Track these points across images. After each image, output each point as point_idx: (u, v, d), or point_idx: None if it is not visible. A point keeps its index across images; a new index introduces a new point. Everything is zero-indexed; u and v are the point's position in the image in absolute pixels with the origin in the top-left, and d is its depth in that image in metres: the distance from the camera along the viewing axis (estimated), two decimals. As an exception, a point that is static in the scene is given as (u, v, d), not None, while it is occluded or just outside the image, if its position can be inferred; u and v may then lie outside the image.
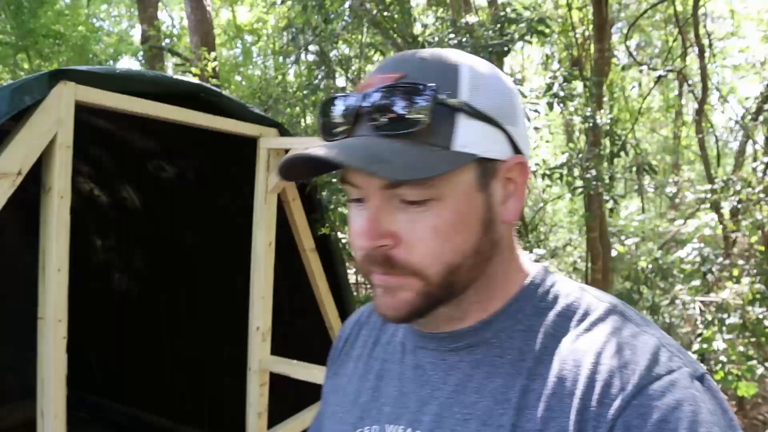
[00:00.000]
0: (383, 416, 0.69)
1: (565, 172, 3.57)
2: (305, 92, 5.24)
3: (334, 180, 3.31)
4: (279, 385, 2.83)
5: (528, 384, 0.61)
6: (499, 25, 3.02)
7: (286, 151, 2.67)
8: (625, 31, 5.83)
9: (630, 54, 5.26)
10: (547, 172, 3.67)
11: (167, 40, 10.04)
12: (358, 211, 0.63)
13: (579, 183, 3.82)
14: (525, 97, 3.13)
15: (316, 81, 4.65)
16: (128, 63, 11.04)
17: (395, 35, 4.66)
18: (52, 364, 1.80)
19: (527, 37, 2.93)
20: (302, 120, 4.97)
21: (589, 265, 5.91)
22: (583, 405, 0.57)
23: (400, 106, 0.58)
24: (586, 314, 0.64)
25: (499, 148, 0.63)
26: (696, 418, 0.53)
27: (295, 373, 2.72)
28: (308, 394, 3.08)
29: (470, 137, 0.60)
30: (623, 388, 0.55)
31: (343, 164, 0.56)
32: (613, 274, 6.07)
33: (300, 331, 3.45)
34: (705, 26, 7.41)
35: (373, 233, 0.60)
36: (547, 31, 3.09)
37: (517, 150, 0.65)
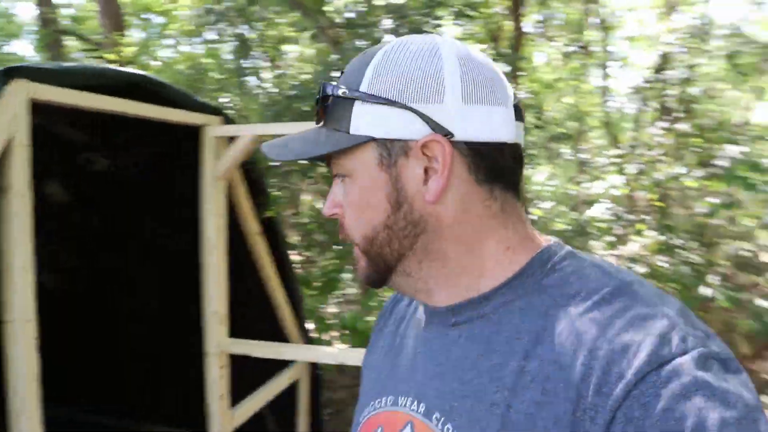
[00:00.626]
0: (398, 388, 0.72)
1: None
2: (226, 75, 5.19)
3: (275, 163, 3.37)
4: (233, 368, 2.91)
5: (524, 364, 0.59)
6: (427, 9, 3.17)
7: (231, 138, 2.71)
8: (536, 9, 6.18)
9: (543, 32, 5.62)
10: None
11: (67, 23, 9.42)
12: None
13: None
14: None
15: (242, 63, 4.64)
16: (20, 47, 10.28)
17: (317, 15, 4.71)
18: (25, 366, 1.81)
19: (458, 20, 3.10)
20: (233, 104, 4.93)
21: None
22: (578, 393, 0.55)
23: (320, 104, 0.70)
24: (591, 293, 0.61)
25: (406, 128, 0.64)
26: (706, 408, 0.49)
27: (253, 351, 2.82)
28: (263, 372, 3.21)
29: (365, 119, 0.66)
30: (623, 376, 0.53)
31: (274, 158, 0.72)
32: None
33: (249, 314, 3.52)
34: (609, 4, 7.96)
35: (329, 203, 0.72)
36: (476, 15, 3.27)
37: (440, 129, 0.63)
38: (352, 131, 0.66)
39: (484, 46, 4.89)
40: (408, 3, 3.63)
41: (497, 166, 0.66)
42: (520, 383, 0.59)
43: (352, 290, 7.35)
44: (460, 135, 0.63)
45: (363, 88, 0.66)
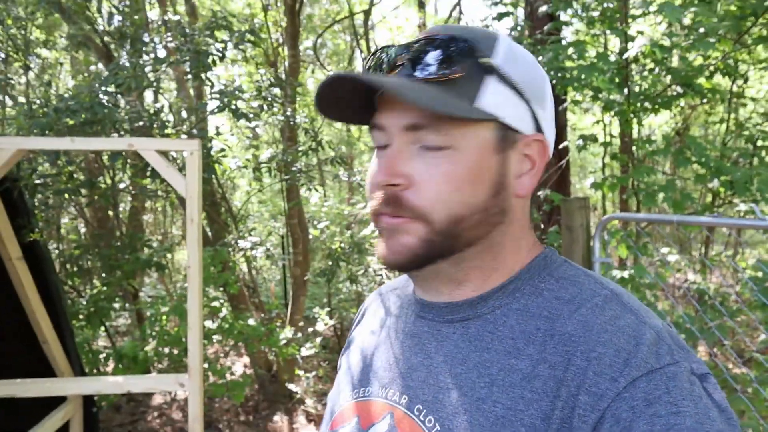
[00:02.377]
0: (378, 380, 0.72)
1: (273, 165, 3.94)
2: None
3: (38, 181, 3.05)
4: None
5: (515, 363, 0.61)
6: (209, 31, 3.19)
7: (-11, 152, 2.41)
8: (311, 37, 6.52)
9: (317, 59, 5.96)
10: (258, 166, 4.00)
11: None
12: (380, 156, 0.66)
13: (285, 176, 4.24)
14: (238, 98, 3.38)
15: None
16: None
17: (82, 21, 4.37)
18: None
19: (240, 46, 3.18)
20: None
21: (291, 249, 6.48)
22: (569, 392, 0.56)
23: (433, 56, 0.62)
24: (585, 299, 0.63)
25: (522, 120, 0.65)
26: (691, 417, 0.52)
27: (23, 392, 2.52)
28: (27, 414, 2.85)
29: (495, 100, 0.62)
30: (614, 378, 0.55)
31: (376, 85, 0.59)
32: (311, 254, 6.77)
33: (6, 350, 3.10)
34: (374, 38, 8.73)
35: (390, 170, 0.62)
36: (257, 41, 3.39)
37: (540, 131, 0.67)
38: (477, 104, 0.61)
39: (263, 71, 5.03)
40: (185, 21, 3.60)
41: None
42: (509, 380, 0.60)
43: (122, 321, 6.79)
44: (548, 142, 0.68)
45: (497, 62, 0.63)
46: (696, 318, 2.57)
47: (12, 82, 5.18)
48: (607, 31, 4.00)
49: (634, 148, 4.17)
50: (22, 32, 4.84)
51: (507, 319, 0.64)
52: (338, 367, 0.85)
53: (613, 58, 3.43)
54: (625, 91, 3.54)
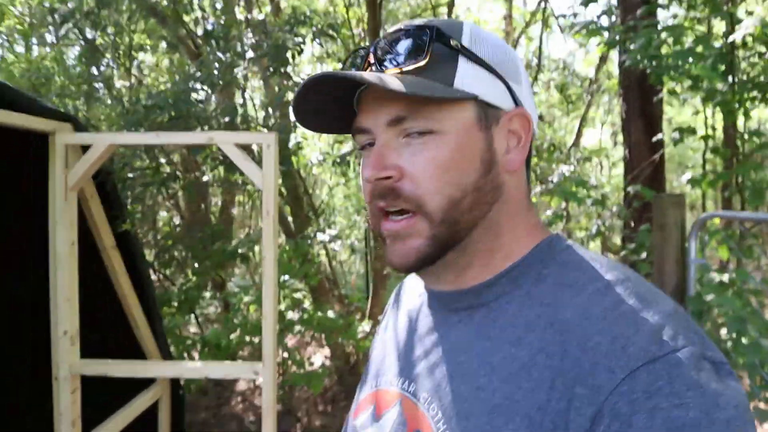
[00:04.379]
0: (393, 369, 0.73)
1: (355, 159, 3.97)
2: (72, 81, 4.85)
3: (130, 175, 3.23)
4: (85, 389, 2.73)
5: (514, 351, 0.60)
6: (288, 27, 3.24)
7: (84, 147, 2.57)
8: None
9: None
10: (337, 160, 4.03)
11: None
12: (367, 155, 0.66)
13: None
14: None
15: (93, 70, 4.37)
16: None
17: (176, 24, 4.59)
18: None
19: (319, 40, 3.21)
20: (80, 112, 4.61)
21: (372, 243, 6.54)
22: (564, 383, 0.54)
23: (404, 46, 0.63)
24: (587, 285, 0.61)
25: (500, 97, 0.65)
26: (695, 407, 0.48)
27: (110, 371, 2.67)
28: (120, 393, 3.03)
29: (470, 78, 0.63)
30: (611, 369, 0.52)
31: (356, 78, 0.59)
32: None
33: (102, 331, 3.31)
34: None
35: (379, 164, 0.63)
36: (336, 35, 3.42)
37: (520, 106, 0.67)
38: (456, 85, 0.62)
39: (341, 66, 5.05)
40: (270, 20, 3.68)
41: (531, 150, 0.70)
42: (508, 369, 0.59)
43: (212, 309, 7.12)
44: (530, 115, 0.68)
45: (465, 43, 0.64)
46: (808, 329, 2.30)
47: (116, 85, 5.53)
48: (712, 16, 3.69)
49: (739, 141, 3.83)
50: (124, 38, 5.16)
51: (510, 306, 0.64)
52: (368, 355, 0.87)
53: (717, 43, 3.15)
54: (730, 78, 3.25)
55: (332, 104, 0.67)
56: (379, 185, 0.63)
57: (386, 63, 0.64)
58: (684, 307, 2.36)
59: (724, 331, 2.39)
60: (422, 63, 0.62)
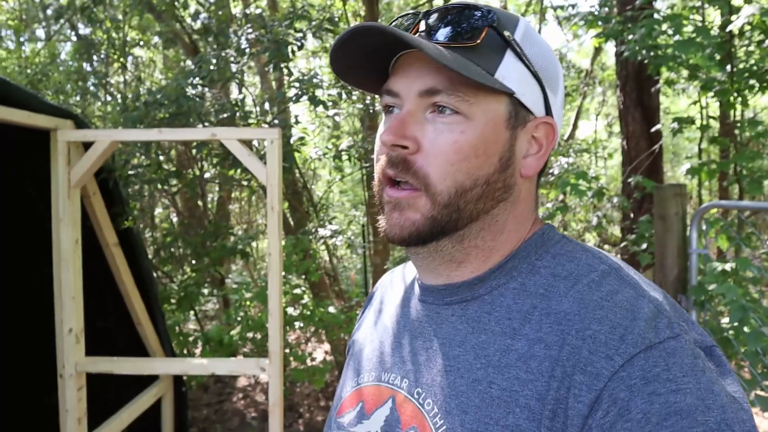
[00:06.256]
0: (382, 364, 0.72)
1: (353, 154, 3.96)
2: (68, 77, 4.82)
3: (131, 172, 3.22)
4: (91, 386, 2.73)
5: (511, 343, 0.60)
6: (288, 21, 3.23)
7: (87, 144, 2.56)
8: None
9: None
10: (337, 155, 4.03)
11: None
12: (389, 118, 0.65)
13: (365, 165, 4.25)
14: (320, 88, 3.42)
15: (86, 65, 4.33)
16: None
17: (172, 20, 4.56)
18: None
19: (318, 35, 3.20)
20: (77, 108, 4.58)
21: (371, 238, 6.54)
22: (564, 372, 0.55)
23: (459, 23, 0.62)
24: (581, 275, 0.62)
25: (534, 101, 0.65)
26: (692, 393, 0.50)
27: (115, 369, 2.67)
28: (126, 390, 3.03)
29: (513, 74, 0.62)
30: (610, 357, 0.53)
31: (407, 40, 0.57)
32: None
33: (105, 328, 3.30)
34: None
35: (399, 132, 0.62)
36: (336, 29, 3.41)
37: (550, 116, 0.67)
38: (497, 77, 0.62)
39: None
40: (268, 15, 3.67)
41: (547, 162, 0.70)
42: (505, 361, 0.59)
43: (212, 306, 7.11)
44: (557, 127, 0.69)
45: (517, 39, 0.64)
46: (810, 316, 2.32)
47: (111, 81, 5.50)
48: (706, 5, 3.69)
49: (736, 131, 3.85)
50: (119, 33, 5.13)
51: (504, 298, 0.64)
52: (347, 352, 0.85)
53: (714, 32, 3.16)
54: (728, 68, 3.26)
55: (365, 60, 0.66)
56: (393, 153, 0.63)
57: (437, 35, 0.63)
58: (686, 296, 2.37)
59: (724, 320, 2.41)
60: (472, 44, 0.61)
